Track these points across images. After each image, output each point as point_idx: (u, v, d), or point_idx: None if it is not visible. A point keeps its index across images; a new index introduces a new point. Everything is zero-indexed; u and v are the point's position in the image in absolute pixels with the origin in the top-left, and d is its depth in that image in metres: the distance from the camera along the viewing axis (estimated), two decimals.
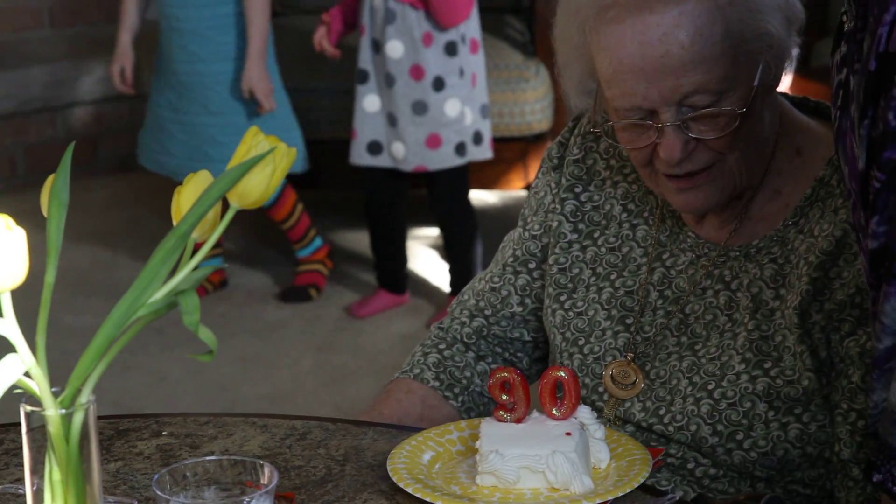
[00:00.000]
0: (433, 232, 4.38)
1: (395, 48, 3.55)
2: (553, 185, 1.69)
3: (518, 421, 1.41)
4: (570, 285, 1.66)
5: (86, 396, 1.08)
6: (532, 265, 1.71)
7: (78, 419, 1.08)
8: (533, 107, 3.99)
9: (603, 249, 1.65)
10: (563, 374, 1.41)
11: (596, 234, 1.66)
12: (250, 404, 3.37)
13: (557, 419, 1.40)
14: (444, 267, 3.98)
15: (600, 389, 1.60)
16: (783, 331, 1.50)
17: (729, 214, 1.58)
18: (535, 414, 1.42)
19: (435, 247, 4.29)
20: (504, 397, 1.42)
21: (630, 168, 1.65)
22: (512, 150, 4.04)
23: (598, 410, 1.59)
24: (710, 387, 1.52)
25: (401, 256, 3.86)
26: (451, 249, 3.82)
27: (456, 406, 1.67)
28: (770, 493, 1.44)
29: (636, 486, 1.35)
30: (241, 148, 1.14)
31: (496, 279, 1.73)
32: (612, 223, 1.65)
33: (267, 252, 4.31)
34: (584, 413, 1.41)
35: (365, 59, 3.62)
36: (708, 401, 1.52)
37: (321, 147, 4.10)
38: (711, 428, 1.51)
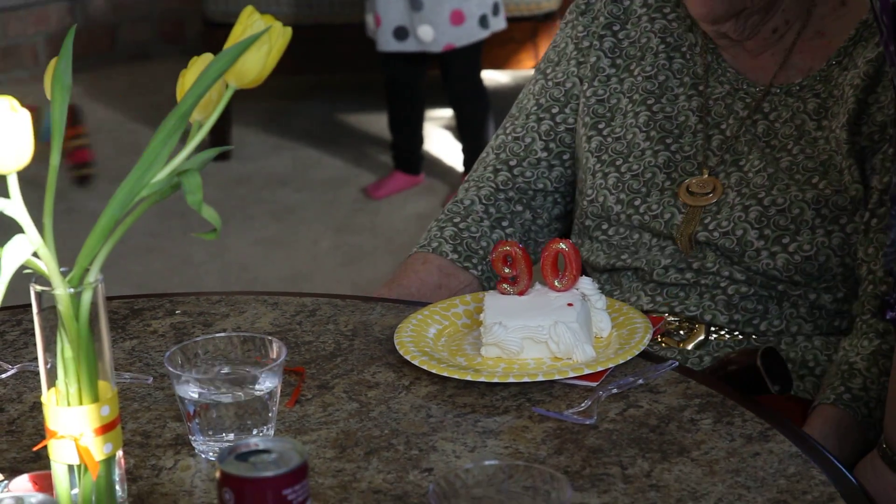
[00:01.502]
0: (447, 113, 4.38)
1: None
2: (581, 30, 1.75)
3: (521, 293, 1.44)
4: (607, 114, 1.72)
5: (93, 276, 1.11)
6: (555, 110, 1.76)
7: (87, 298, 1.10)
8: None
9: (639, 78, 1.71)
10: (564, 247, 1.43)
11: (633, 66, 1.72)
12: (270, 284, 3.42)
13: (559, 290, 1.43)
14: (458, 147, 3.99)
15: (636, 203, 1.65)
16: (830, 152, 1.58)
17: (766, 48, 1.65)
18: (538, 286, 1.45)
19: (448, 127, 4.30)
20: (507, 270, 1.44)
21: (669, 7, 1.72)
22: (522, 30, 4.03)
23: (637, 222, 1.64)
24: (759, 195, 1.59)
25: (418, 138, 3.88)
26: (464, 129, 3.84)
27: (476, 274, 1.70)
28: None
29: (637, 353, 1.38)
30: (236, 28, 1.15)
31: (519, 129, 1.77)
32: (649, 54, 1.72)
33: (284, 136, 4.33)
34: (586, 284, 1.44)
35: None
36: (757, 207, 1.59)
37: (338, 31, 4.09)
38: (758, 232, 1.58)
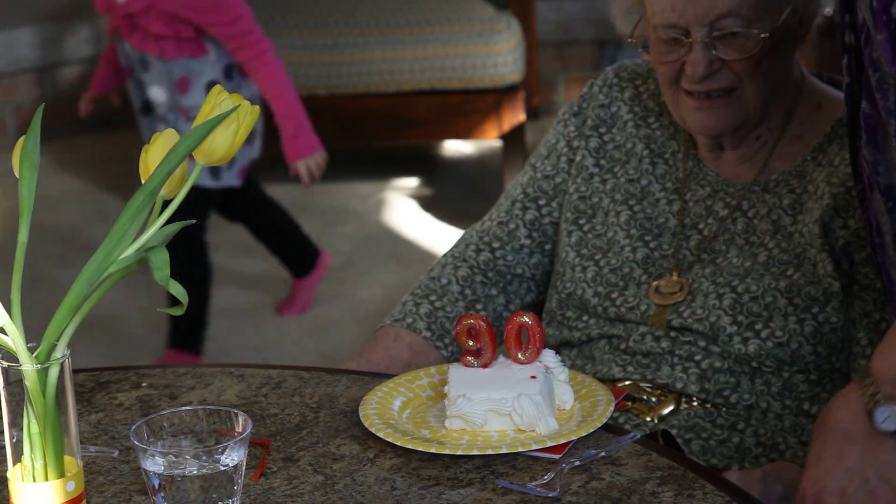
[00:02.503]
0: (411, 182, 4.42)
1: (157, 93, 3.35)
2: (573, 130, 1.82)
3: (485, 366, 1.46)
4: (589, 211, 1.77)
5: (60, 351, 1.12)
6: (542, 202, 1.81)
7: (53, 373, 1.12)
8: (505, 58, 4.02)
9: (623, 180, 1.77)
10: (528, 320, 1.45)
11: (616, 169, 1.78)
12: (235, 354, 3.42)
13: (523, 363, 1.45)
14: (423, 217, 4.01)
15: (613, 296, 1.69)
16: (804, 245, 1.63)
17: (749, 155, 1.71)
18: (502, 359, 1.47)
19: (413, 196, 4.33)
20: (471, 343, 1.46)
21: (654, 117, 1.79)
22: (485, 101, 4.08)
23: (614, 314, 1.67)
24: (733, 283, 1.64)
25: (294, 240, 3.71)
26: (265, 236, 3.60)
27: (446, 355, 1.73)
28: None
29: (599, 425, 1.39)
30: (205, 107, 1.17)
31: (504, 215, 1.82)
32: (633, 159, 1.78)
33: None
34: (549, 357, 1.46)
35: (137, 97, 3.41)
36: (731, 295, 1.63)
37: (305, 102, 4.12)
38: (732, 318, 1.62)
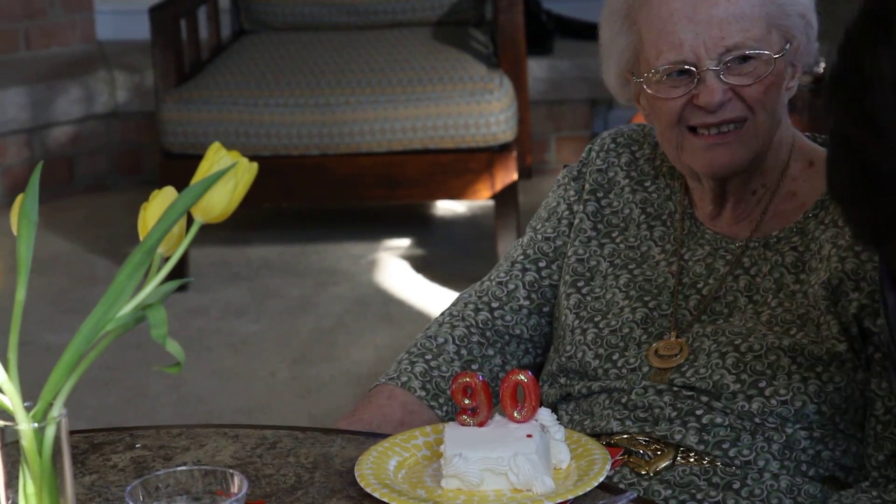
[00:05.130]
0: (403, 242, 4.42)
1: None
2: (573, 193, 1.82)
3: (481, 424, 1.45)
4: (587, 274, 1.77)
5: (57, 410, 1.11)
6: (542, 264, 1.81)
7: (50, 433, 1.11)
8: (497, 117, 4.04)
9: (622, 246, 1.77)
10: (524, 378, 1.45)
11: (614, 234, 1.79)
12: (227, 416, 3.39)
13: (519, 422, 1.44)
14: (418, 278, 4.01)
15: (614, 357, 1.69)
16: (807, 307, 1.62)
17: (746, 212, 1.72)
18: (498, 417, 1.46)
19: (405, 257, 4.33)
20: (466, 401, 1.45)
21: (650, 180, 1.80)
22: (478, 161, 4.09)
23: (615, 376, 1.67)
24: (736, 342, 1.63)
25: None
26: None
27: (440, 415, 1.72)
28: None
29: (595, 484, 1.39)
30: (203, 163, 1.17)
31: (503, 275, 1.82)
32: (631, 225, 1.78)
33: (241, 266, 4.34)
34: (545, 415, 1.45)
35: None
36: (734, 354, 1.62)
37: (296, 161, 4.13)
38: (735, 377, 1.61)
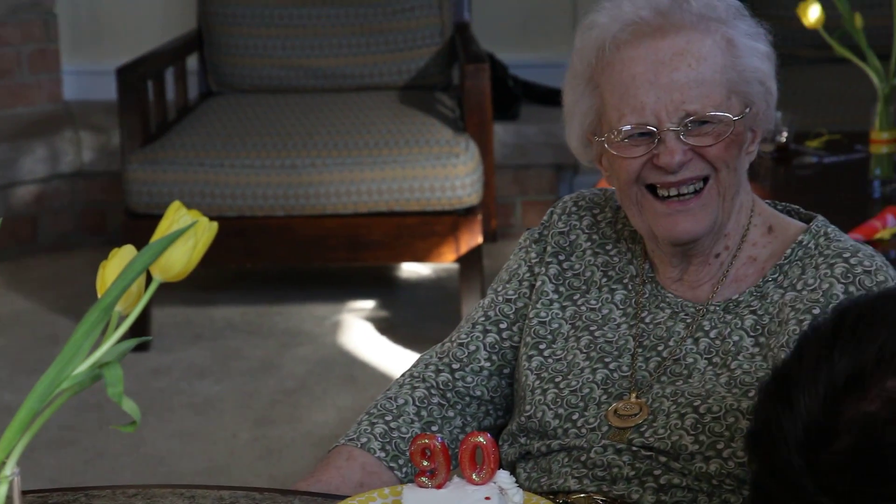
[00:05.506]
0: (367, 304, 4.42)
1: None
2: (534, 256, 1.83)
3: (439, 486, 1.45)
4: (549, 336, 1.77)
5: (9, 469, 1.10)
6: (503, 325, 1.81)
7: (1, 493, 1.10)
8: (463, 181, 4.06)
9: (584, 308, 1.78)
10: (483, 440, 1.44)
11: (576, 297, 1.79)
12: (187, 478, 3.36)
13: (477, 484, 1.44)
14: (382, 340, 4.01)
15: (574, 417, 1.69)
16: (766, 370, 1.63)
17: (708, 276, 1.73)
18: (456, 479, 1.46)
19: (369, 319, 4.32)
20: (425, 463, 1.45)
21: (611, 244, 1.81)
22: (443, 224, 4.10)
23: (574, 436, 1.67)
24: (695, 403, 1.63)
25: None
26: None
27: (400, 476, 1.71)
28: None
29: None
30: (163, 222, 1.17)
31: (464, 337, 1.82)
32: (593, 288, 1.79)
33: (204, 327, 4.33)
34: (503, 477, 1.45)
35: None
36: (693, 415, 1.63)
37: (260, 222, 4.13)
38: (694, 438, 1.61)
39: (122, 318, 1.17)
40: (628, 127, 1.66)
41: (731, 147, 1.67)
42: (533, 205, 4.98)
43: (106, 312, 1.13)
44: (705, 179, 1.67)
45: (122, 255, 1.18)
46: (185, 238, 1.16)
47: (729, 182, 1.68)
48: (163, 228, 1.17)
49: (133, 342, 1.17)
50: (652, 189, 1.68)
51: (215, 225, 1.18)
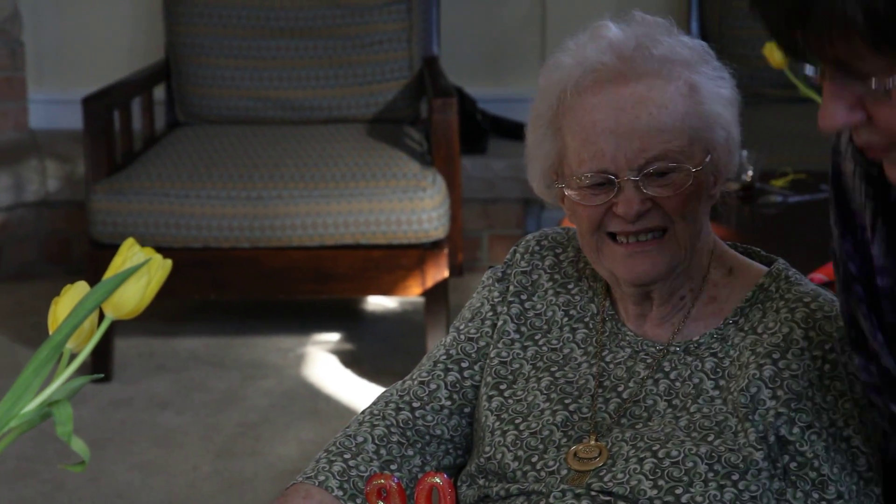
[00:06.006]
0: (332, 336, 4.40)
1: None
2: (497, 295, 1.83)
3: None
4: (510, 377, 1.77)
5: None
6: (465, 364, 1.80)
7: None
8: (430, 214, 4.06)
9: (545, 349, 1.78)
10: (439, 481, 1.43)
11: (538, 337, 1.79)
12: None
13: None
14: (346, 374, 3.99)
15: (533, 460, 1.68)
16: (725, 413, 1.63)
17: (671, 315, 1.73)
18: None
19: (334, 352, 4.31)
20: (380, 503, 1.44)
21: (573, 283, 1.81)
22: (409, 257, 4.10)
23: (533, 479, 1.67)
24: (654, 448, 1.63)
25: None
26: None
27: None
28: None
29: None
30: (116, 259, 1.16)
31: (425, 375, 1.82)
32: (554, 327, 1.79)
33: (167, 358, 4.30)
34: None
35: None
36: (652, 459, 1.62)
37: (225, 254, 4.12)
38: (653, 483, 1.61)
39: (74, 356, 1.16)
40: (588, 174, 1.66)
41: (691, 199, 1.67)
42: (500, 239, 4.99)
43: (56, 350, 1.12)
44: (664, 230, 1.67)
45: (75, 292, 1.17)
46: (139, 276, 1.15)
47: (687, 233, 1.68)
48: (116, 265, 1.16)
49: (84, 380, 1.15)
50: (612, 236, 1.68)
51: (169, 262, 1.17)
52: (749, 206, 3.52)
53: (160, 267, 1.17)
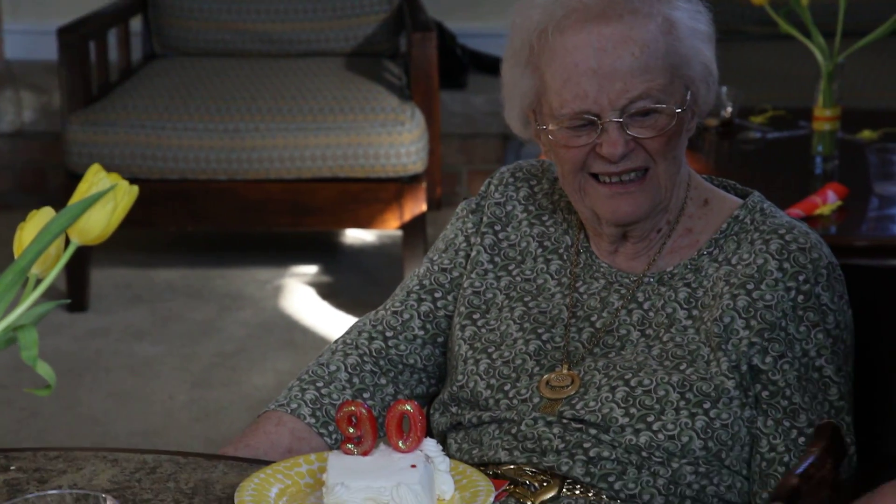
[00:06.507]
0: (310, 269, 4.41)
1: None
2: (471, 226, 1.83)
3: (365, 454, 1.44)
4: (483, 306, 1.77)
5: None
6: (438, 294, 1.81)
7: None
8: (408, 149, 4.05)
9: (518, 279, 1.78)
10: (409, 408, 1.44)
11: (511, 267, 1.79)
12: (122, 439, 3.35)
13: (403, 452, 1.44)
14: (324, 305, 4.00)
15: (506, 388, 1.69)
16: (698, 343, 1.65)
17: (646, 248, 1.73)
18: (382, 447, 1.46)
19: (311, 284, 4.31)
20: (351, 430, 1.45)
21: (547, 214, 1.81)
22: (387, 191, 4.10)
23: (505, 407, 1.68)
24: (626, 377, 1.65)
25: None
26: None
27: (330, 443, 1.71)
28: None
29: None
30: (82, 185, 1.16)
31: (398, 305, 1.82)
32: (528, 258, 1.79)
33: (144, 289, 4.30)
34: (430, 446, 1.45)
35: None
36: (624, 388, 1.64)
37: (202, 185, 4.11)
38: (624, 410, 1.63)
39: (40, 281, 1.16)
40: (571, 115, 1.65)
41: (673, 139, 1.67)
42: (479, 174, 4.98)
43: (21, 275, 1.11)
44: (646, 170, 1.67)
45: (40, 217, 1.17)
46: (105, 201, 1.15)
47: (668, 172, 1.69)
48: (82, 191, 1.16)
49: (51, 305, 1.15)
50: (595, 176, 1.68)
51: (135, 189, 1.17)
52: (727, 142, 3.52)
53: (126, 193, 1.17)
